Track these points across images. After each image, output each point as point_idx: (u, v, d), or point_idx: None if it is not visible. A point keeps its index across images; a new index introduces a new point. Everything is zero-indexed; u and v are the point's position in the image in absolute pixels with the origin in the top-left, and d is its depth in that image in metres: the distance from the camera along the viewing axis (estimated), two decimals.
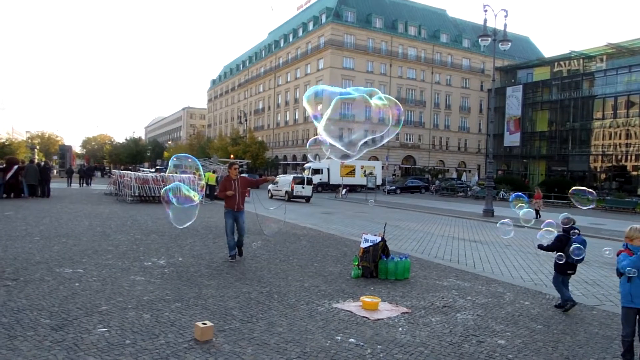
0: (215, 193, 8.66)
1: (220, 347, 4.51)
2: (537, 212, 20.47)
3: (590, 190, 6.92)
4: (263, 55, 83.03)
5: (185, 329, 4.95)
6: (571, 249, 5.98)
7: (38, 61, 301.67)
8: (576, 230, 6.21)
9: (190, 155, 9.13)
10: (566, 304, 6.37)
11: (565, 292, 6.43)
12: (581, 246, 5.96)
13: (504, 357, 4.62)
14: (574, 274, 6.51)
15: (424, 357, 4.53)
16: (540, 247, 6.62)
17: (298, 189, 29.45)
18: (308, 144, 7.82)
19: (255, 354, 4.40)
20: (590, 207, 7.27)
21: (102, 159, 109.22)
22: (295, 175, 33.68)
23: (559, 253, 6.22)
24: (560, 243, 6.26)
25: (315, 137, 7.11)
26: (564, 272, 6.41)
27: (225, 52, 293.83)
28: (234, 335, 4.88)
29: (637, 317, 4.47)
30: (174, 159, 9.20)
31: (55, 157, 67.74)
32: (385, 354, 4.56)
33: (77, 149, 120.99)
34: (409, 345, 4.81)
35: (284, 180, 30.96)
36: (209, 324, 4.78)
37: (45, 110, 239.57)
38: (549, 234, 6.45)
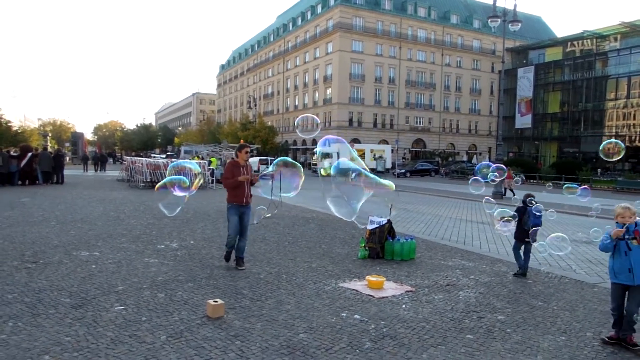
0: (219, 178, 7.51)
1: (231, 323, 4.75)
2: (512, 191, 22.66)
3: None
4: (272, 39, 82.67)
5: (198, 307, 5.20)
6: (525, 218, 6.87)
7: (49, 49, 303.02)
8: (533, 201, 6.93)
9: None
10: (519, 271, 7.20)
11: (521, 260, 7.20)
12: (539, 214, 6.79)
13: (503, 332, 4.80)
14: (531, 242, 7.03)
15: (425, 331, 4.73)
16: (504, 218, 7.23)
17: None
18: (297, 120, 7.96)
19: (264, 329, 4.63)
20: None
21: (114, 146, 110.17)
22: (261, 157, 37.09)
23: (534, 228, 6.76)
24: (519, 213, 7.04)
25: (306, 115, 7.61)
26: (521, 239, 7.10)
27: (233, 37, 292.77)
28: (244, 312, 5.11)
29: (627, 293, 4.58)
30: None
31: (67, 144, 68.52)
32: (388, 328, 4.76)
33: (89, 136, 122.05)
34: (412, 321, 5.01)
35: (251, 163, 31.88)
36: (220, 301, 5.02)
37: (56, 97, 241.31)
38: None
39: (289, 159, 7.44)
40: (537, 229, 6.65)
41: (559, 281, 7.06)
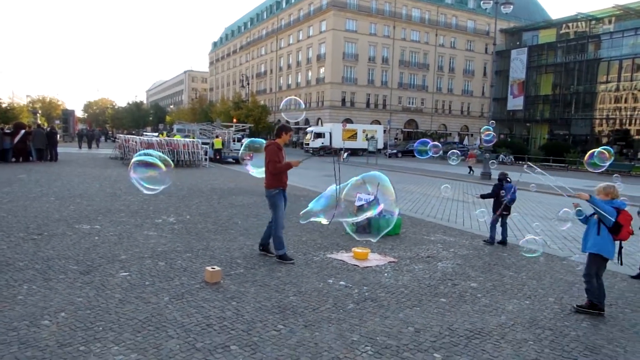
0: (267, 167, 6.36)
1: (227, 287, 5.22)
2: (470, 169, 26.72)
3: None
4: (265, 17, 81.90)
5: (197, 274, 5.65)
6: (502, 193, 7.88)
7: (36, 24, 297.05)
8: (508, 179, 8.02)
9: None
10: (491, 240, 8.08)
11: (494, 231, 8.07)
12: (512, 191, 7.82)
13: (474, 296, 5.32)
14: (508, 214, 8.14)
15: (403, 295, 5.23)
16: (482, 196, 8.37)
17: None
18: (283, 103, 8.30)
19: (257, 293, 5.10)
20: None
21: (105, 124, 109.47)
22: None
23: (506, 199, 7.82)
24: (496, 189, 8.03)
25: (291, 98, 7.99)
26: (494, 211, 8.01)
27: (226, 13, 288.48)
28: (239, 278, 5.58)
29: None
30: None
31: (57, 122, 68.11)
32: (370, 293, 5.26)
33: (79, 113, 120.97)
34: (392, 287, 5.51)
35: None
36: (217, 268, 5.48)
37: (45, 74, 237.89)
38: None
39: (258, 140, 7.55)
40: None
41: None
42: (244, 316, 4.44)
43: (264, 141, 7.17)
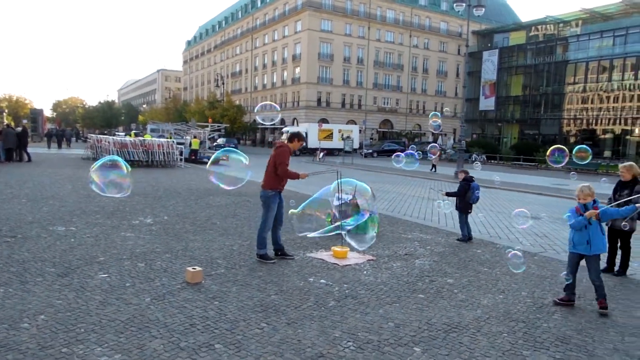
0: (278, 172, 6.42)
1: (209, 287, 5.24)
2: (434, 166, 27.86)
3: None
4: (239, 16, 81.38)
5: (177, 275, 5.65)
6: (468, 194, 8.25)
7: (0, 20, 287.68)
8: (473, 178, 8.41)
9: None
10: (465, 237, 8.37)
11: (465, 230, 8.40)
12: (478, 191, 8.30)
13: (450, 292, 5.48)
14: (471, 212, 8.51)
15: (382, 292, 5.35)
16: (448, 194, 8.65)
17: None
18: (257, 107, 8.27)
19: (239, 292, 5.14)
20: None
21: (75, 123, 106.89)
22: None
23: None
24: (464, 189, 8.30)
25: (266, 103, 7.95)
26: (465, 211, 8.38)
27: (200, 12, 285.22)
28: (220, 278, 5.60)
29: (582, 262, 5.24)
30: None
31: (25, 121, 66.21)
32: (350, 290, 5.36)
33: (48, 112, 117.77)
34: (371, 284, 5.63)
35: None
36: (198, 268, 5.49)
37: (11, 72, 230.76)
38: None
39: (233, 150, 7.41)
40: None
41: (504, 251, 7.82)
42: (226, 315, 4.48)
43: (242, 155, 6.98)
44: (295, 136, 6.71)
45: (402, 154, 8.33)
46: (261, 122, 7.97)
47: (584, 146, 7.00)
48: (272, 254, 6.67)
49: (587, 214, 5.01)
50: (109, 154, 21.66)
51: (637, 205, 5.12)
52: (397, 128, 67.61)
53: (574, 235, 5.16)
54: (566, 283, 5.23)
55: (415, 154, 8.40)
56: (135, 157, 22.02)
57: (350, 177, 8.39)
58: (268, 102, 8.13)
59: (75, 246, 6.81)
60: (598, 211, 5.01)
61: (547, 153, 7.16)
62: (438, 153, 30.15)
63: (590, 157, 7.11)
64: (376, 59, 66.28)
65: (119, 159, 6.14)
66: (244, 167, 6.88)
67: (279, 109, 10.20)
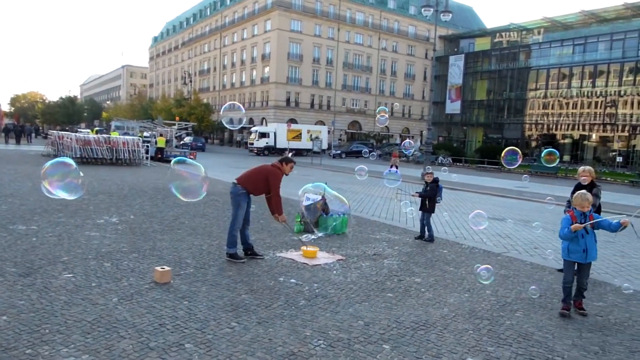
0: (268, 196, 6.62)
1: (178, 287, 5.19)
2: (396, 167, 27.66)
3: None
4: (208, 13, 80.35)
5: (145, 274, 5.56)
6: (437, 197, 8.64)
7: None
8: (439, 180, 8.75)
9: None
10: (425, 237, 8.61)
11: (431, 230, 8.70)
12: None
13: (418, 291, 5.61)
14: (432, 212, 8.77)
15: (352, 292, 5.43)
16: (420, 194, 8.74)
17: None
18: (223, 108, 8.06)
19: (209, 292, 5.11)
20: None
21: (34, 119, 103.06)
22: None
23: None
24: (433, 191, 8.59)
25: (233, 102, 7.78)
26: (431, 211, 8.64)
27: (167, 7, 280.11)
28: (189, 278, 5.55)
29: (577, 268, 5.24)
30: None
31: None
32: (320, 290, 5.41)
33: (5, 107, 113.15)
34: (341, 284, 5.69)
35: None
36: (167, 268, 5.43)
37: None
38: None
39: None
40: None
41: (470, 251, 8.05)
42: (197, 315, 4.45)
43: (199, 166, 6.52)
44: (287, 161, 6.76)
45: (386, 172, 8.89)
46: (227, 125, 7.78)
47: (553, 149, 7.27)
48: (242, 253, 6.65)
49: (572, 227, 4.96)
50: (72, 151, 21.05)
51: (621, 222, 5.03)
52: (365, 129, 68.19)
53: (570, 243, 5.13)
54: (584, 290, 5.25)
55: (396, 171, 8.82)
56: (99, 155, 21.47)
57: (319, 177, 8.41)
58: (234, 102, 7.91)
59: (37, 245, 6.61)
60: (593, 221, 4.97)
61: (502, 154, 7.51)
62: (397, 155, 30.36)
63: (558, 160, 7.42)
64: (345, 61, 66.70)
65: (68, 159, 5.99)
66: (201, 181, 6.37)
67: (244, 110, 10.03)
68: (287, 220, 6.84)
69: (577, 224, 4.99)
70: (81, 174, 5.90)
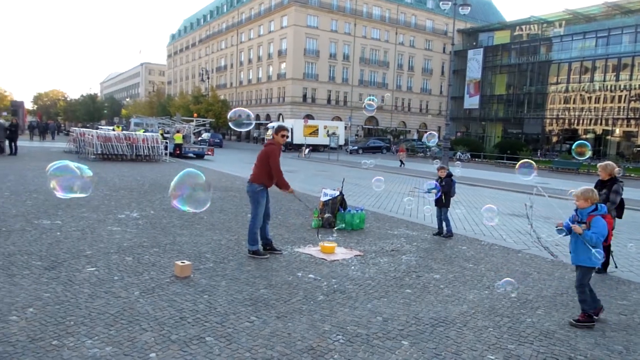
0: (274, 183, 6.56)
1: (198, 281, 5.25)
2: (402, 162, 29.37)
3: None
4: (225, 10, 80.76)
5: (166, 268, 5.64)
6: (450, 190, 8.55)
7: None
8: (452, 175, 8.74)
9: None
10: (444, 233, 8.56)
11: (449, 225, 8.62)
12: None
13: (437, 287, 5.58)
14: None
15: (370, 287, 5.42)
16: (435, 192, 8.60)
17: None
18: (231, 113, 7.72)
19: (228, 286, 5.16)
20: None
21: (56, 116, 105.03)
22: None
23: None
24: (448, 186, 8.50)
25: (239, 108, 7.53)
26: (447, 205, 8.57)
27: (185, 5, 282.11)
28: (209, 272, 5.61)
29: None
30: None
31: (4, 114, 64.89)
32: (338, 285, 5.42)
33: (28, 105, 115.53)
34: (359, 279, 5.70)
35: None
36: (187, 262, 5.50)
37: None
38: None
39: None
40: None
41: (489, 248, 7.97)
42: (216, 309, 4.50)
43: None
44: (282, 129, 6.69)
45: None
46: (234, 127, 7.56)
47: (584, 142, 7.17)
48: (261, 249, 6.69)
49: (573, 227, 4.71)
50: (93, 148, 21.42)
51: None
52: (382, 125, 67.87)
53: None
54: (580, 298, 4.91)
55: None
56: (120, 152, 21.80)
57: (336, 173, 8.42)
58: (243, 109, 7.59)
59: (62, 240, 6.75)
60: (580, 230, 4.66)
61: (516, 166, 7.36)
62: (405, 150, 31.90)
63: (590, 152, 7.34)
64: (362, 56, 66.41)
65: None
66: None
67: (252, 115, 9.78)
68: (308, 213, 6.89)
69: (576, 226, 4.71)
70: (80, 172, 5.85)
